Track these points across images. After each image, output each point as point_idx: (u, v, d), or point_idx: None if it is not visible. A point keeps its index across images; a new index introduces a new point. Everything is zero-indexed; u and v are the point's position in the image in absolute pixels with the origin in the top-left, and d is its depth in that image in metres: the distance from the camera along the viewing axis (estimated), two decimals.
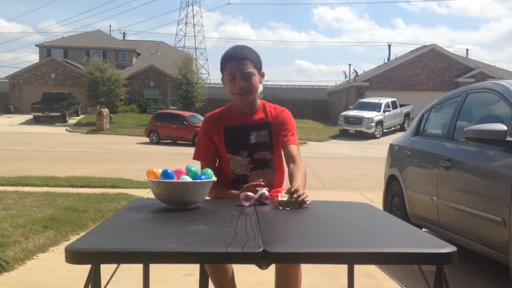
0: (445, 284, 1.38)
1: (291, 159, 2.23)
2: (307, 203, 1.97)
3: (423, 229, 3.62)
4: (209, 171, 1.97)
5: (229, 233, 1.59)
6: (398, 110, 26.58)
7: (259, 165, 2.30)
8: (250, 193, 2.00)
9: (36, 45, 42.35)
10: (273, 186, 2.31)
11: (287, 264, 1.95)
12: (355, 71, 33.66)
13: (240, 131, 2.30)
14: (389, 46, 44.03)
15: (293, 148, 2.25)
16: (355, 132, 24.52)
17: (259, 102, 2.34)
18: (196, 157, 2.37)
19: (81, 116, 33.40)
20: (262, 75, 2.29)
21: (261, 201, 2.01)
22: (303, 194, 1.94)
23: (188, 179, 1.87)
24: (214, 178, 1.95)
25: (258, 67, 2.26)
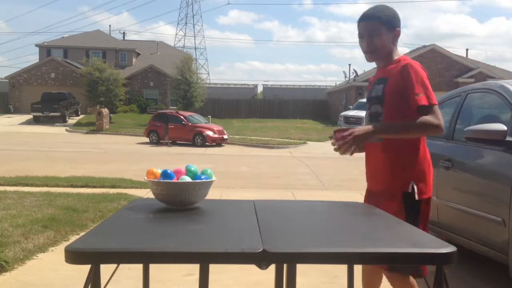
0: (445, 284, 1.37)
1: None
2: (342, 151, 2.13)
3: None
4: (209, 171, 1.97)
5: (229, 233, 1.59)
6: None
7: (372, 118, 2.34)
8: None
9: (36, 45, 42.31)
10: (382, 140, 2.26)
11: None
12: (355, 71, 33.65)
13: (371, 86, 2.42)
14: None
15: (420, 110, 2.13)
16: None
17: (395, 56, 2.33)
18: None
19: (81, 116, 33.41)
20: (396, 33, 2.30)
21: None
22: (349, 139, 2.12)
23: (187, 179, 1.87)
24: (214, 178, 1.95)
25: (388, 25, 2.28)
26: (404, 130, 2.17)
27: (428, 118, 2.11)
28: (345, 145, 2.12)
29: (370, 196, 2.39)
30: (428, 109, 2.13)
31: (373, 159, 2.36)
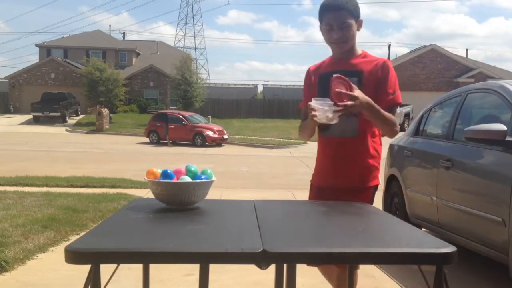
0: (444, 284, 1.37)
1: None
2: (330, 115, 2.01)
3: (423, 229, 3.62)
4: (209, 171, 1.97)
5: (229, 233, 1.59)
6: (398, 110, 26.58)
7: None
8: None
9: (36, 45, 42.30)
10: (356, 134, 2.28)
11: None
12: None
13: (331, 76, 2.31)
14: (389, 46, 44.04)
15: (389, 108, 2.29)
16: None
17: (359, 51, 2.35)
18: (302, 105, 2.43)
19: (81, 116, 33.41)
20: (359, 23, 2.31)
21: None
22: (353, 104, 2.03)
23: (187, 179, 1.87)
24: (214, 178, 1.95)
25: (355, 15, 2.28)
26: (380, 119, 2.22)
27: (395, 120, 2.28)
28: (347, 109, 2.04)
29: (327, 193, 2.31)
30: (394, 109, 2.31)
31: (342, 154, 2.30)
